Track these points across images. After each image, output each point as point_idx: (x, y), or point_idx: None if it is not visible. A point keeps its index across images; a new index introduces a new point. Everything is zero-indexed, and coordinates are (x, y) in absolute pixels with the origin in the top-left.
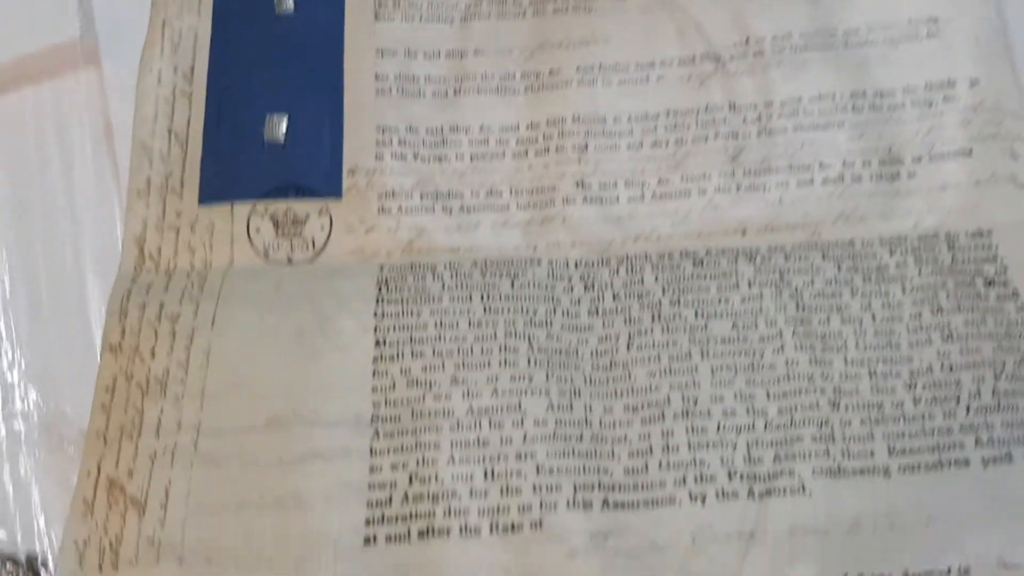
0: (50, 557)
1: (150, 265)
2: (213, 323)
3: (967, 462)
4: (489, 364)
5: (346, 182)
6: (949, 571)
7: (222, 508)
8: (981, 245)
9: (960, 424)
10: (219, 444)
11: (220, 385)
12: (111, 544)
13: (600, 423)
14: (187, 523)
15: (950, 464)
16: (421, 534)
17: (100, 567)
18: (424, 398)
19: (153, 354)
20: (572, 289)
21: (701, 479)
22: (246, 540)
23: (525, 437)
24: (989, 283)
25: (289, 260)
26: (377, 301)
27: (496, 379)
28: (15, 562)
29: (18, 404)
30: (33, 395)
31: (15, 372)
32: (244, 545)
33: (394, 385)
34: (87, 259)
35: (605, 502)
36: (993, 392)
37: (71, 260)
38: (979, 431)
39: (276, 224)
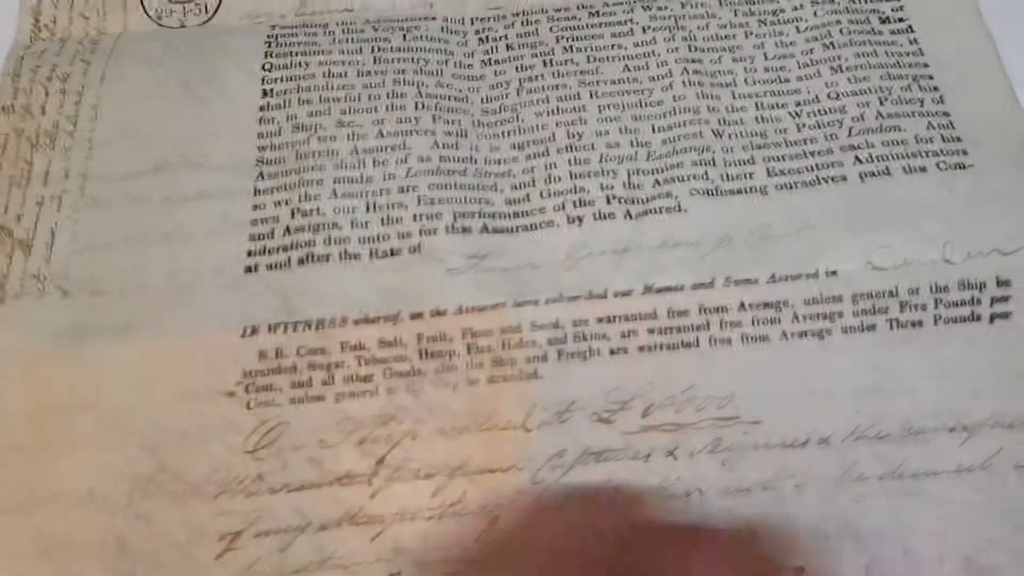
0: None
1: (45, 35)
2: (103, 79)
3: (844, 178)
4: (376, 109)
5: None
6: (816, 273)
7: (107, 245)
8: None
9: (841, 145)
10: (106, 189)
11: (108, 135)
12: None
13: (485, 160)
14: (72, 260)
15: (828, 181)
16: (301, 261)
17: None
18: (309, 141)
19: (43, 110)
20: (466, 43)
21: (580, 204)
22: (130, 272)
23: (408, 172)
24: (884, 20)
25: (182, 24)
26: (266, 55)
27: (382, 122)
28: None
29: None
30: None
31: None
32: (128, 277)
33: (280, 131)
34: None
35: (484, 228)
36: (877, 115)
37: None
38: (859, 150)
39: None
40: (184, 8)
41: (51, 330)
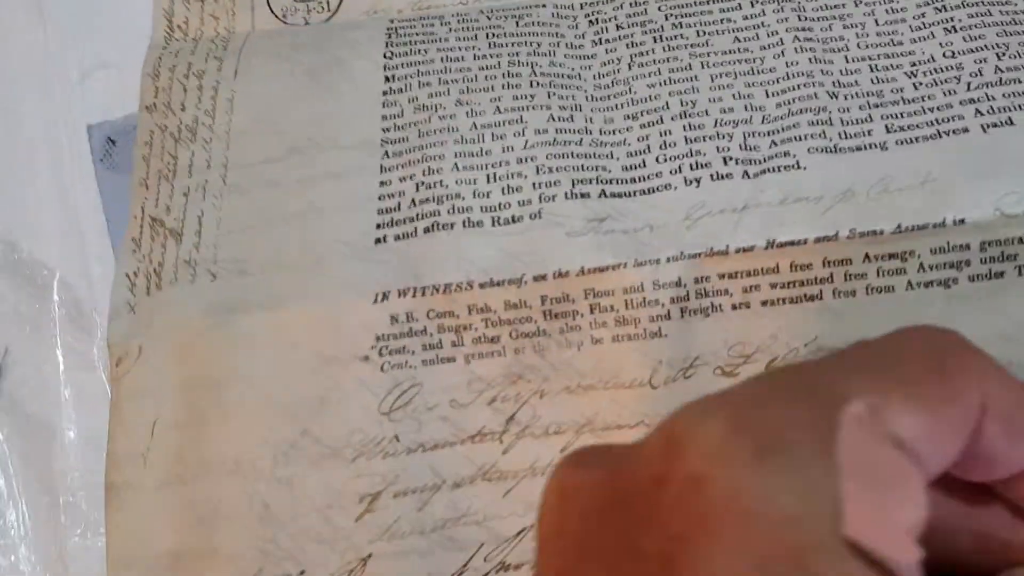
0: None
1: (179, 35)
2: (236, 74)
3: (966, 130)
4: (493, 88)
5: None
6: (944, 222)
7: (249, 228)
8: None
9: (960, 100)
10: (245, 175)
11: (244, 126)
12: (155, 271)
13: (600, 131)
14: (218, 244)
15: (948, 134)
16: (427, 230)
17: (148, 291)
18: (430, 119)
19: (183, 107)
20: (577, 25)
21: (696, 166)
22: (271, 251)
23: (526, 144)
24: None
25: (306, 22)
26: (387, 45)
27: (499, 99)
28: None
29: None
30: None
31: None
32: (270, 255)
33: (402, 112)
34: None
35: (602, 193)
36: (996, 70)
37: None
38: (979, 103)
39: None
40: (308, 6)
41: (202, 311)
